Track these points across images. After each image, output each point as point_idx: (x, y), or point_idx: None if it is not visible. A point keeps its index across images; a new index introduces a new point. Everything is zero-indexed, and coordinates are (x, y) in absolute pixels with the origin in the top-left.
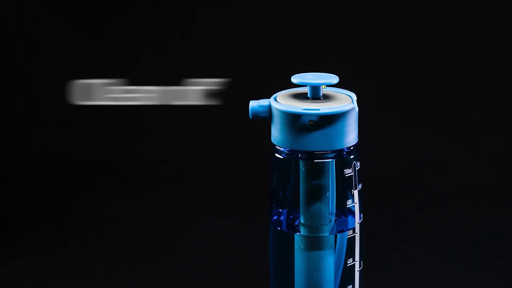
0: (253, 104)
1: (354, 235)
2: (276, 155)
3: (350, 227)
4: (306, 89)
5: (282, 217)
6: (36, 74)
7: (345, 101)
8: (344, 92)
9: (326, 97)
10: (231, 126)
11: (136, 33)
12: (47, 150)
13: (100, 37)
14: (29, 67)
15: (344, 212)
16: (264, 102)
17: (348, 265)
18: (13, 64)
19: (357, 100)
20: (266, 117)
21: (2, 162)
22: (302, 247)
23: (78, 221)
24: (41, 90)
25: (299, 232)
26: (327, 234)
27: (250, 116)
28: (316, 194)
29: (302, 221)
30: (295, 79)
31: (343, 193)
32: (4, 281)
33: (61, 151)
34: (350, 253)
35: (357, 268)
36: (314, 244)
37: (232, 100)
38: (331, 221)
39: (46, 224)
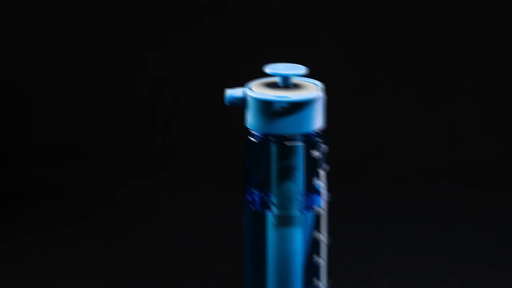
0: (229, 92)
1: (321, 212)
2: (251, 138)
3: (317, 205)
4: (278, 79)
5: (255, 197)
6: None
7: (313, 90)
8: (312, 81)
9: (296, 86)
10: (208, 113)
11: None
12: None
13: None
14: None
15: (312, 191)
16: (239, 90)
17: (315, 239)
18: None
19: (325, 88)
20: (241, 104)
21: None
22: (274, 223)
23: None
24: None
25: (271, 210)
26: (296, 211)
27: (226, 104)
28: (286, 174)
29: (273, 200)
30: (268, 69)
31: (311, 174)
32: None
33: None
34: (318, 229)
35: (323, 242)
36: (285, 221)
37: (209, 89)
38: (300, 200)
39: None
